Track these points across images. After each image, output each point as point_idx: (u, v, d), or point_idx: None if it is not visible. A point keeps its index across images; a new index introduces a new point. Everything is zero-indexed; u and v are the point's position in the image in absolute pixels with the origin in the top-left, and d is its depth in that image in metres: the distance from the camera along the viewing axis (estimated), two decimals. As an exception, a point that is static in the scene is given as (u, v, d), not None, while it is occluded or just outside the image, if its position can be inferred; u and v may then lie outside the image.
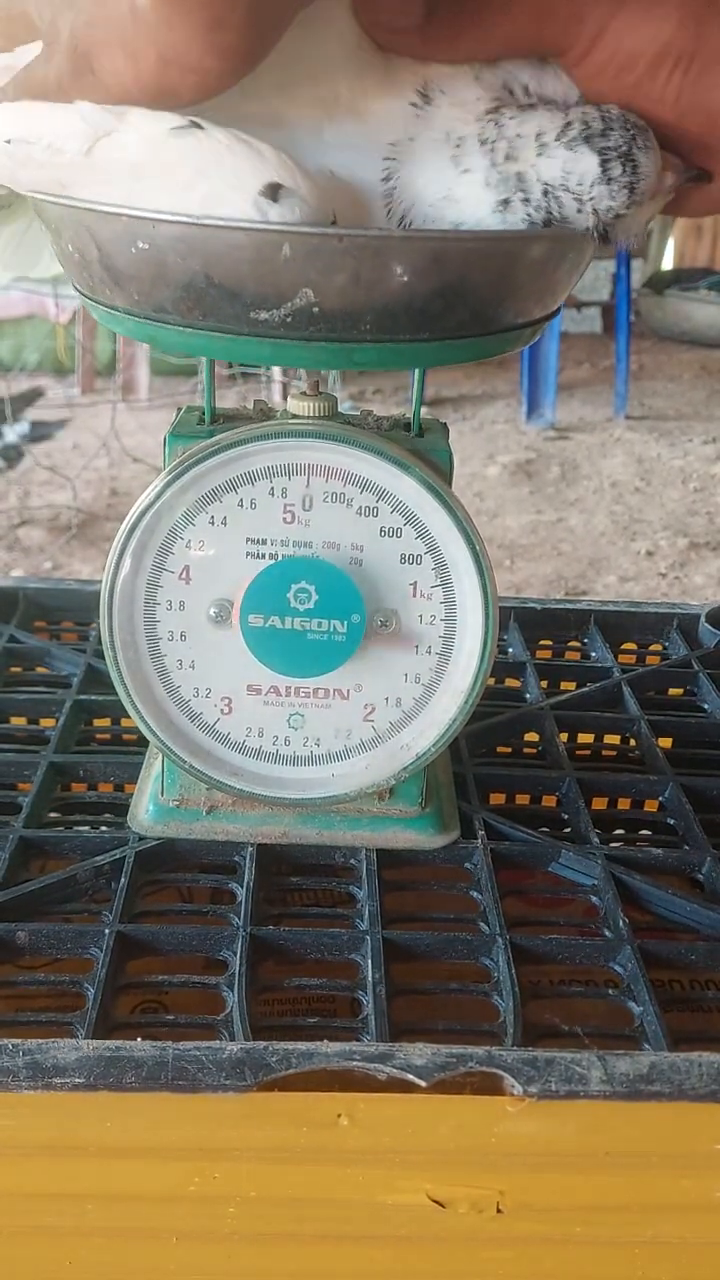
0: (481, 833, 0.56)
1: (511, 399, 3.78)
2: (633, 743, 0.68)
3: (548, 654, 0.77)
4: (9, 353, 3.97)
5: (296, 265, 0.41)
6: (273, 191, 0.41)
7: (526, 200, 0.43)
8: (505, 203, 0.43)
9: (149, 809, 0.55)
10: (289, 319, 0.43)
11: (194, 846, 0.55)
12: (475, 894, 0.53)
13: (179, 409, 0.53)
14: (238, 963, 0.48)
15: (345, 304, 0.43)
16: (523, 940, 0.50)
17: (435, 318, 0.44)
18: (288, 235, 0.41)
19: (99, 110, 0.42)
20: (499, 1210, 0.43)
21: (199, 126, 0.42)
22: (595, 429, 3.54)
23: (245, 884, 0.52)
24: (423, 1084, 0.42)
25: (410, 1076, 0.42)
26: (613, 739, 0.69)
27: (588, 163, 0.42)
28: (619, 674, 0.72)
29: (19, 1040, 0.42)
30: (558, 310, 0.50)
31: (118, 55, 0.40)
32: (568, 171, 0.42)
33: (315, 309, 0.42)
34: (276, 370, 3.44)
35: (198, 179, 0.42)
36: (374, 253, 0.41)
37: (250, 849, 0.54)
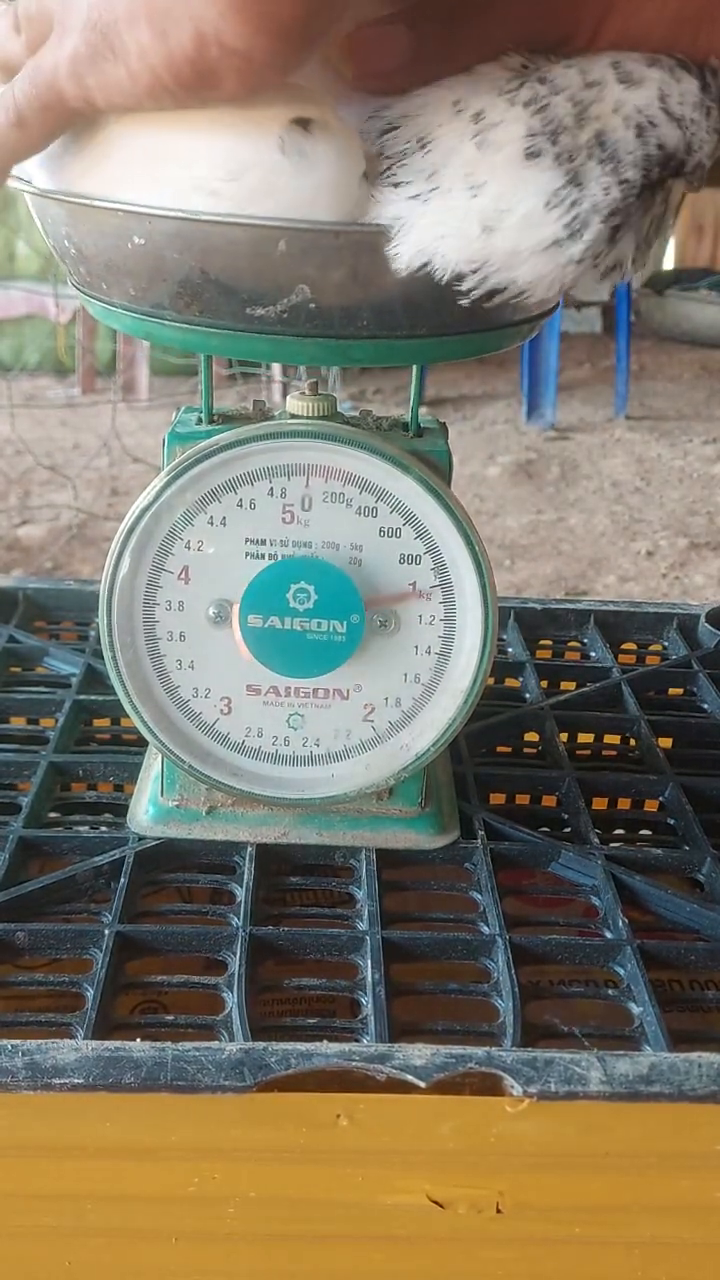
0: (481, 833, 0.56)
1: (512, 399, 3.78)
2: (633, 742, 0.68)
3: (547, 654, 0.77)
4: (9, 353, 3.97)
5: (292, 261, 0.41)
6: (304, 125, 0.39)
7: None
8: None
9: (148, 809, 0.55)
10: (285, 315, 0.43)
11: (193, 847, 0.55)
12: (475, 894, 0.53)
13: (178, 409, 0.53)
14: (237, 963, 0.48)
15: (342, 300, 0.42)
16: (522, 940, 0.50)
17: (432, 313, 0.44)
18: (284, 231, 0.41)
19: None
20: (499, 1210, 0.43)
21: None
22: (595, 429, 3.54)
23: (245, 884, 0.52)
24: (422, 1084, 0.42)
25: (410, 1077, 0.42)
26: (613, 739, 0.69)
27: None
28: (619, 674, 0.72)
29: (18, 1041, 0.42)
30: (556, 306, 0.50)
31: (144, 30, 0.34)
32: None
33: (312, 305, 0.42)
34: (276, 370, 3.44)
35: (215, 124, 0.39)
36: (370, 248, 0.41)
37: (250, 849, 0.54)
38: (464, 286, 0.41)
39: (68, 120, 0.40)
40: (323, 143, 0.39)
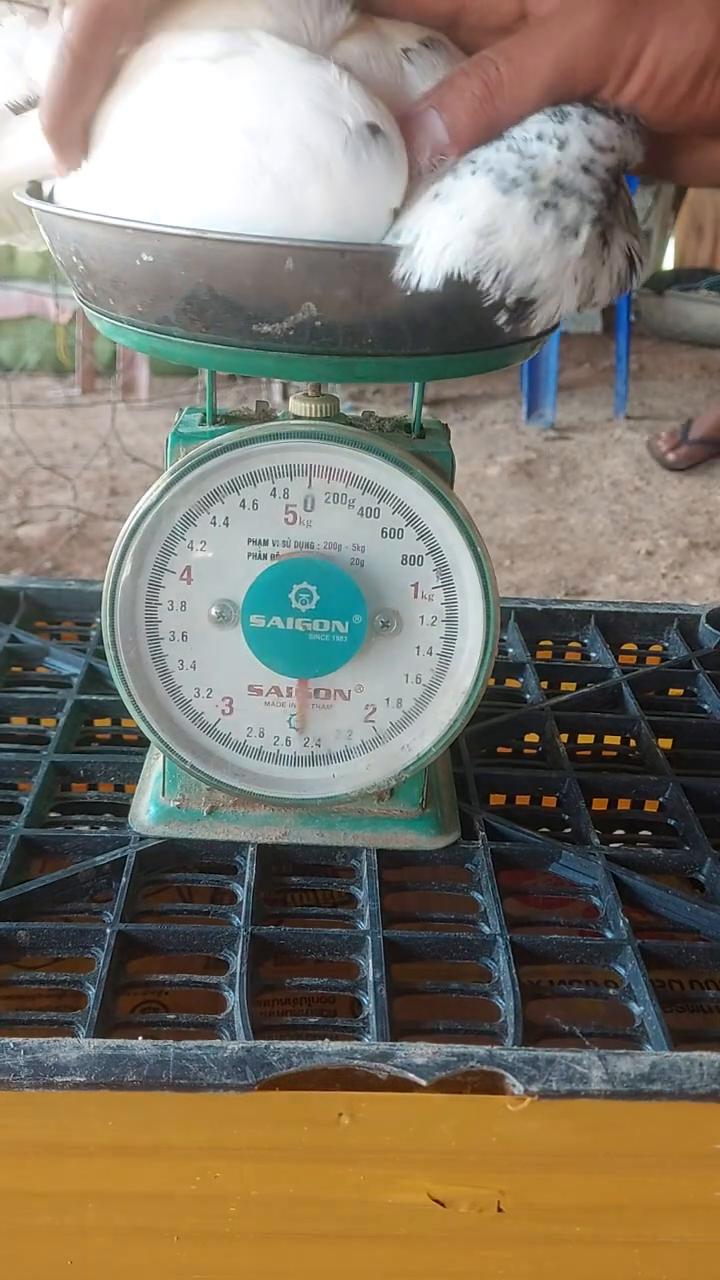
0: (482, 833, 0.56)
1: (511, 399, 3.78)
2: (633, 743, 0.68)
3: (548, 654, 0.77)
4: (9, 353, 3.97)
5: (299, 278, 0.41)
6: (372, 132, 0.40)
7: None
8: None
9: (150, 809, 0.55)
10: (291, 332, 0.43)
11: (195, 846, 0.55)
12: (476, 894, 0.53)
13: (180, 410, 0.53)
14: (238, 962, 0.48)
15: (347, 318, 0.43)
16: (523, 940, 0.50)
17: (437, 332, 0.44)
18: (291, 249, 0.41)
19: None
20: (500, 1210, 0.43)
21: (257, 46, 0.39)
22: (595, 429, 3.54)
23: (246, 884, 0.53)
24: (423, 1083, 0.42)
25: (411, 1075, 0.42)
26: (613, 739, 0.69)
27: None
28: (619, 674, 0.72)
29: (20, 1039, 0.42)
30: (557, 325, 0.50)
31: None
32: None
33: (317, 322, 0.43)
34: (277, 370, 3.43)
35: (268, 118, 0.39)
36: (376, 267, 0.41)
37: (251, 849, 0.54)
38: (493, 292, 0.41)
39: (122, 31, 0.41)
40: (379, 158, 0.40)
